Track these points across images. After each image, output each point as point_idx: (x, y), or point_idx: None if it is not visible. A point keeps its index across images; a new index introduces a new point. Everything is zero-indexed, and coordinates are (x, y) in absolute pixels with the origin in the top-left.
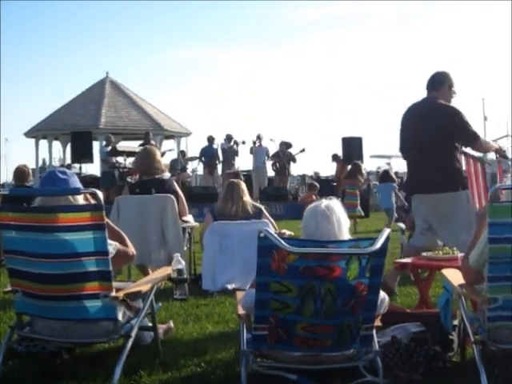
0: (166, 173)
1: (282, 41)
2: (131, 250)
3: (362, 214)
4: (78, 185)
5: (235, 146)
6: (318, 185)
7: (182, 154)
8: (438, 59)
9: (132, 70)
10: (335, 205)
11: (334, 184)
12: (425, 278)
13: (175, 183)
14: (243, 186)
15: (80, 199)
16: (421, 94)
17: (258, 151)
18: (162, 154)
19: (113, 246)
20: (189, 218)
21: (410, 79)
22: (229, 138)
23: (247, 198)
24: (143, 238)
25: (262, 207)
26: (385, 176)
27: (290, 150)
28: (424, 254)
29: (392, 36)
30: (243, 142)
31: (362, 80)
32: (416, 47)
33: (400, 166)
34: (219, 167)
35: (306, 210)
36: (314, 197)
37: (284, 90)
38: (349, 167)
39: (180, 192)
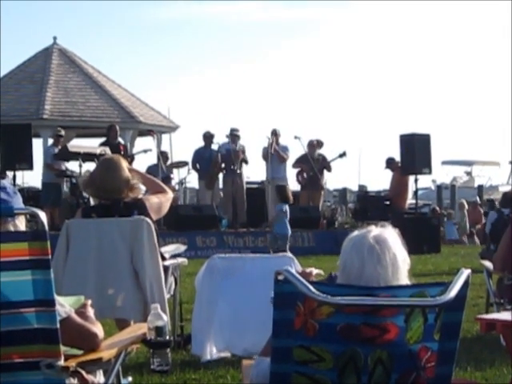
0: (141, 187)
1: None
2: (97, 330)
3: None
4: (21, 205)
5: (242, 148)
6: None
7: (165, 157)
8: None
9: (92, 34)
10: (389, 236)
11: (388, 203)
12: None
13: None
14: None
15: (20, 224)
16: None
17: (274, 154)
18: (132, 159)
19: (65, 309)
20: (172, 250)
21: None
22: (233, 134)
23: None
24: (105, 280)
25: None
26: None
27: (322, 152)
28: None
29: None
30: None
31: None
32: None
33: (485, 177)
34: (221, 178)
35: (346, 240)
36: None
37: (313, 68)
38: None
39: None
